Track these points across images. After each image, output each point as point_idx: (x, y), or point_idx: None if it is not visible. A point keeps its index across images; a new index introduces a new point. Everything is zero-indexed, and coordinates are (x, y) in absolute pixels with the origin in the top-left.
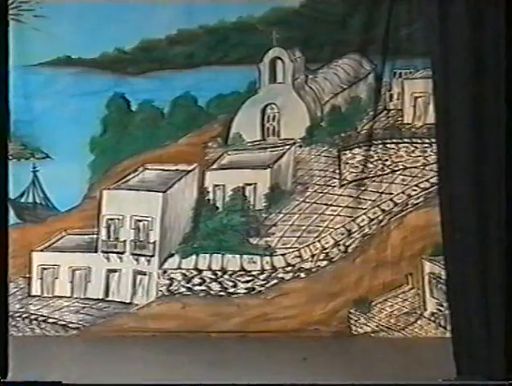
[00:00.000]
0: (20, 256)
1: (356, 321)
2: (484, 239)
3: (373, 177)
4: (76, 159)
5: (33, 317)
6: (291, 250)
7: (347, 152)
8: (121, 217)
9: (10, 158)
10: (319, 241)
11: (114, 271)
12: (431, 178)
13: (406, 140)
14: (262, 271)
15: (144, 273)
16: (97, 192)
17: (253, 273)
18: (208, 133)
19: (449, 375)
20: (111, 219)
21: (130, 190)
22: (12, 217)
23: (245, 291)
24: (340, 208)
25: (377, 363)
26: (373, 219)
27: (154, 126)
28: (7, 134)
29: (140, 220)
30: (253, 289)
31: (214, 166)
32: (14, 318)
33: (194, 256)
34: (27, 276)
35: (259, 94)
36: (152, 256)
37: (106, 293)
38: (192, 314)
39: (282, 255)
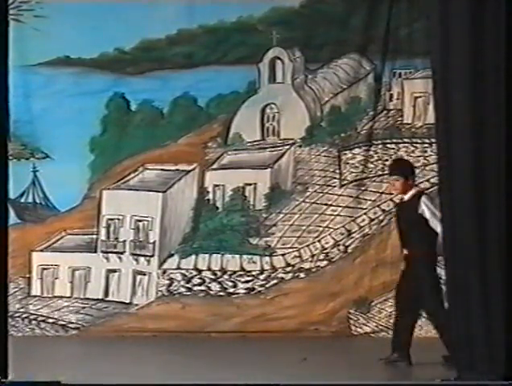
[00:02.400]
0: (20, 256)
1: (356, 321)
2: (484, 239)
3: (373, 177)
4: (76, 159)
5: (33, 317)
6: (290, 250)
7: (347, 152)
8: (120, 217)
9: (10, 158)
10: (319, 241)
11: (114, 271)
12: (432, 178)
13: (406, 140)
14: (262, 271)
15: (144, 273)
16: (97, 192)
17: (253, 273)
18: (207, 133)
19: (449, 375)
20: (111, 219)
21: (129, 190)
22: (12, 217)
23: (244, 291)
24: (341, 208)
25: (377, 363)
26: (373, 219)
27: (154, 126)
28: (7, 134)
29: (140, 220)
30: (253, 289)
31: (214, 166)
32: (14, 318)
33: (194, 257)
34: (27, 276)
35: (259, 94)
36: (152, 256)
37: (106, 293)
38: (191, 314)
39: (282, 255)
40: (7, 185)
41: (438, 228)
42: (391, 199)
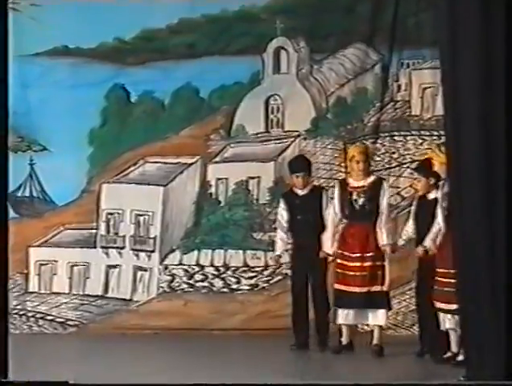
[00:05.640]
0: (17, 251)
1: None
2: (493, 233)
3: (380, 170)
4: (75, 152)
5: (30, 314)
6: None
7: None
8: (120, 211)
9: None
10: None
11: (114, 267)
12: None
13: (413, 132)
14: (266, 267)
15: (145, 269)
16: (96, 186)
17: (257, 268)
18: (210, 125)
19: (458, 374)
20: (110, 214)
21: (129, 183)
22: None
23: (248, 287)
24: None
25: (383, 361)
26: None
27: (155, 118)
28: (6, 127)
29: (140, 215)
30: (257, 285)
31: (217, 159)
32: (12, 315)
33: (196, 252)
34: (24, 272)
35: (263, 85)
36: (153, 251)
37: (106, 289)
38: (193, 311)
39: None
40: (7, 179)
41: (329, 219)
42: (398, 193)
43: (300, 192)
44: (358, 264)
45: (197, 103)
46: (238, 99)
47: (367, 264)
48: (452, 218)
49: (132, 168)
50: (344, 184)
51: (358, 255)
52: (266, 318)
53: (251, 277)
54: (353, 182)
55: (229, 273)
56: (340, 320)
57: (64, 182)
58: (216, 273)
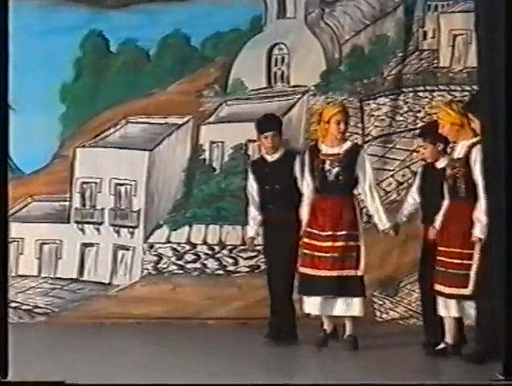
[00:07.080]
0: None
1: (381, 305)
2: None
3: (402, 132)
4: (44, 111)
5: None
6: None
7: (371, 102)
8: (98, 180)
9: None
10: None
11: (91, 245)
12: None
13: (442, 87)
14: None
15: (126, 248)
16: (70, 150)
17: (258, 247)
18: (203, 79)
19: (493, 372)
20: (86, 183)
21: (109, 147)
22: None
23: (247, 269)
24: None
25: (405, 355)
26: (402, 183)
27: (139, 71)
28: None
29: (121, 184)
30: (258, 267)
31: (210, 119)
32: None
33: (186, 228)
34: None
35: (265, 32)
36: (136, 227)
37: (81, 271)
38: (183, 297)
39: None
40: (7, 143)
41: (303, 189)
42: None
43: (270, 158)
44: (329, 243)
45: (188, 53)
46: (236, 48)
47: (339, 244)
48: (485, 188)
49: (112, 130)
50: (315, 151)
51: (329, 233)
52: (268, 306)
53: (250, 258)
54: (326, 149)
55: (225, 252)
56: (307, 309)
57: (32, 146)
58: (209, 252)
